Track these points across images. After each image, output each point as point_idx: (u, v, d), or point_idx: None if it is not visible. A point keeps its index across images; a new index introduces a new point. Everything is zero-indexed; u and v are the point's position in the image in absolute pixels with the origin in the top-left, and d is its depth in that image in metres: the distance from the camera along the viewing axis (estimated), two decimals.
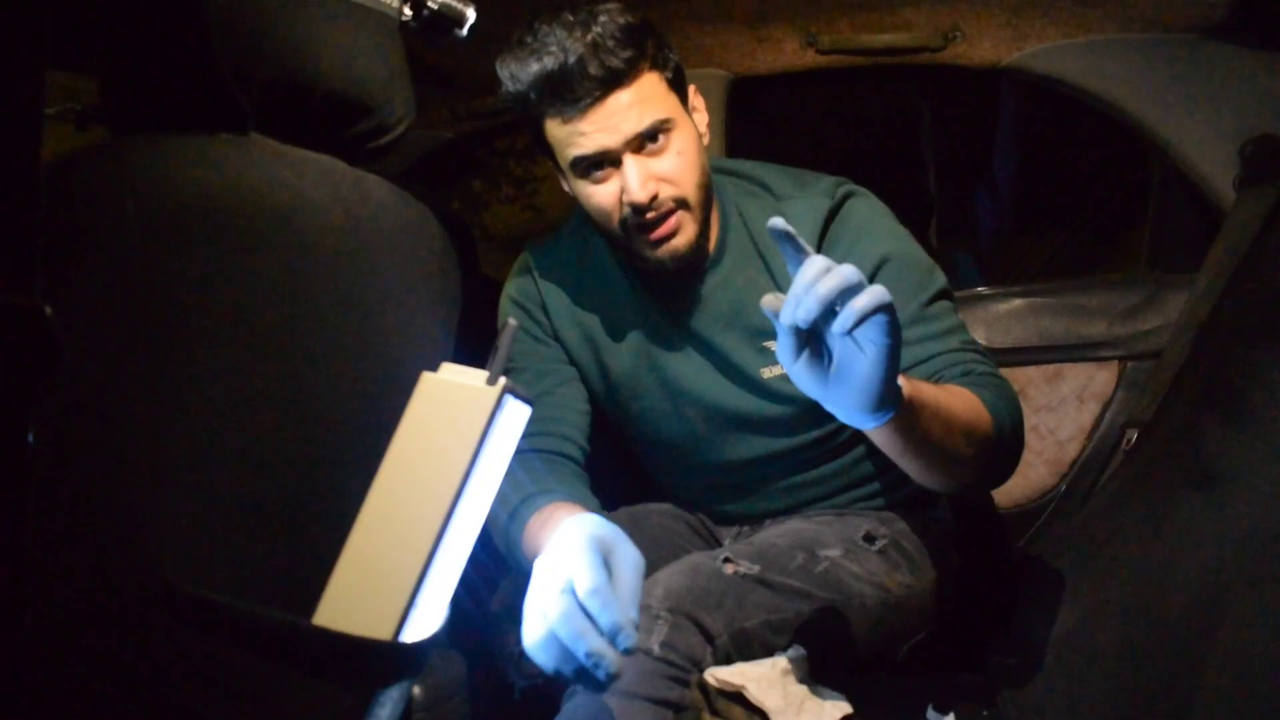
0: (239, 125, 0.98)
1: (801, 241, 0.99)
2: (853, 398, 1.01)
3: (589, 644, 0.96)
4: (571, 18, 1.29)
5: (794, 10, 1.98)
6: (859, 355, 0.98)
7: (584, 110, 1.29)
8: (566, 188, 1.43)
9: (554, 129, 1.33)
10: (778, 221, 0.99)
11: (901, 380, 1.08)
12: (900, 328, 0.98)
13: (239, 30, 0.96)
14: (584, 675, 0.98)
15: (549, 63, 1.27)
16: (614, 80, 1.29)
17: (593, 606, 0.98)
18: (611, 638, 0.97)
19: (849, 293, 0.94)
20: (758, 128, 2.46)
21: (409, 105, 1.14)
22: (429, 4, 1.25)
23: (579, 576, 0.99)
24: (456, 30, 1.28)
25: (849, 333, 0.95)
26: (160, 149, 0.90)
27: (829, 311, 0.95)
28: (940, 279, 1.43)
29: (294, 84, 1.00)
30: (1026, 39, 1.99)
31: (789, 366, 1.01)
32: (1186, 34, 1.92)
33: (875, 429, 1.09)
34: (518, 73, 1.31)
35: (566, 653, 0.98)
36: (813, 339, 1.00)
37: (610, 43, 1.27)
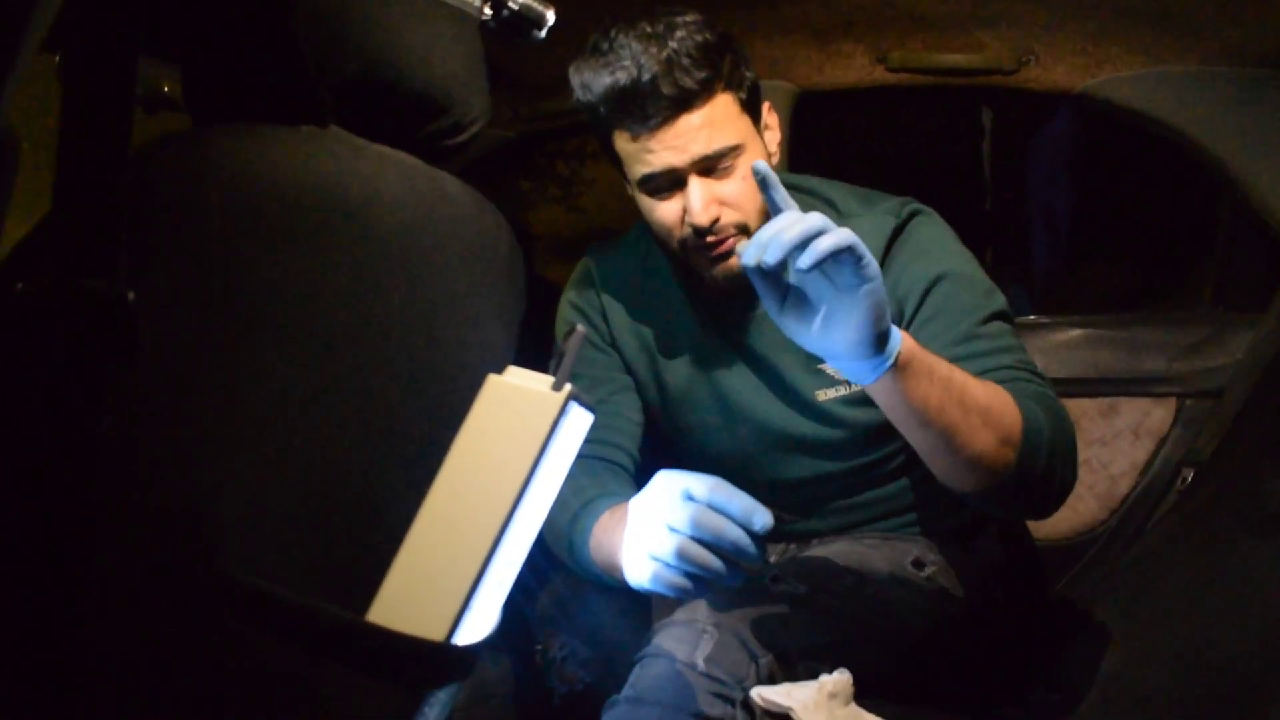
0: (320, 118, 0.98)
1: (785, 194, 1.06)
2: (840, 344, 1.06)
3: (732, 533, 1.03)
4: (649, 29, 1.27)
5: (866, 26, 1.97)
6: (840, 300, 1.04)
7: (653, 129, 1.28)
8: (631, 194, 1.42)
9: (622, 143, 1.33)
10: (760, 164, 1.06)
11: (906, 338, 1.10)
12: (878, 272, 1.02)
13: (324, 23, 0.96)
14: (720, 576, 1.04)
15: (621, 77, 1.26)
16: (686, 101, 1.27)
17: (720, 498, 1.04)
18: (748, 520, 1.03)
19: (814, 237, 0.99)
20: (820, 143, 2.45)
21: (485, 105, 1.13)
22: (509, 4, 1.25)
23: (695, 484, 1.05)
24: (535, 32, 1.28)
25: (810, 270, 0.99)
26: (243, 140, 0.90)
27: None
28: (999, 300, 1.39)
29: (375, 79, 1.01)
30: (1102, 66, 1.96)
31: (775, 317, 1.08)
32: (1268, 70, 1.88)
33: (875, 385, 1.12)
34: (590, 83, 1.30)
35: (697, 558, 1.03)
36: (800, 294, 1.07)
37: (685, 61, 1.25)
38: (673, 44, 1.26)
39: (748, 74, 1.35)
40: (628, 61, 1.26)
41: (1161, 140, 2.03)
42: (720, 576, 1.04)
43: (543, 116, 2.31)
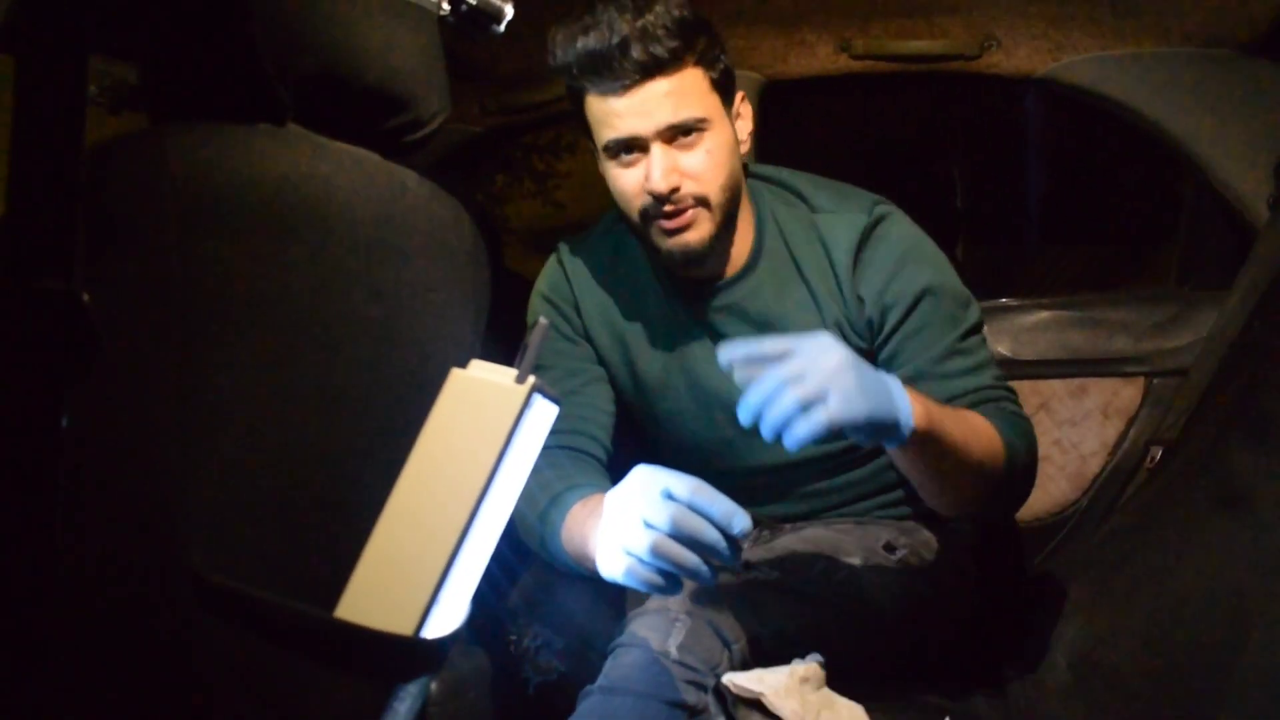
0: (277, 116, 0.98)
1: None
2: (852, 437, 1.12)
3: (709, 535, 1.03)
4: (629, 2, 1.30)
5: (828, 14, 1.98)
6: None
7: (620, 91, 1.31)
8: (601, 169, 1.43)
9: (593, 106, 1.35)
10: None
11: (919, 406, 1.14)
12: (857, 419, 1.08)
13: (280, 20, 0.96)
14: (694, 574, 1.05)
15: (594, 39, 1.29)
16: (655, 67, 1.30)
17: (703, 500, 1.04)
18: (728, 523, 1.04)
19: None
20: (788, 135, 2.45)
21: (445, 100, 1.14)
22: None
23: (676, 483, 1.05)
24: (494, 26, 1.28)
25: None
26: (199, 138, 0.90)
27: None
28: (975, 313, 1.45)
29: (333, 76, 1.01)
30: (1063, 50, 1.98)
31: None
32: (1225, 50, 1.90)
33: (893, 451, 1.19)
34: (564, 44, 1.33)
35: (673, 555, 1.04)
36: None
37: (659, 31, 1.29)
38: (650, 15, 1.29)
39: (722, 57, 1.38)
40: (604, 26, 1.29)
41: (1124, 122, 2.05)
42: (695, 574, 1.04)
43: (510, 110, 2.30)
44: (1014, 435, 1.32)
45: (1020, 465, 1.32)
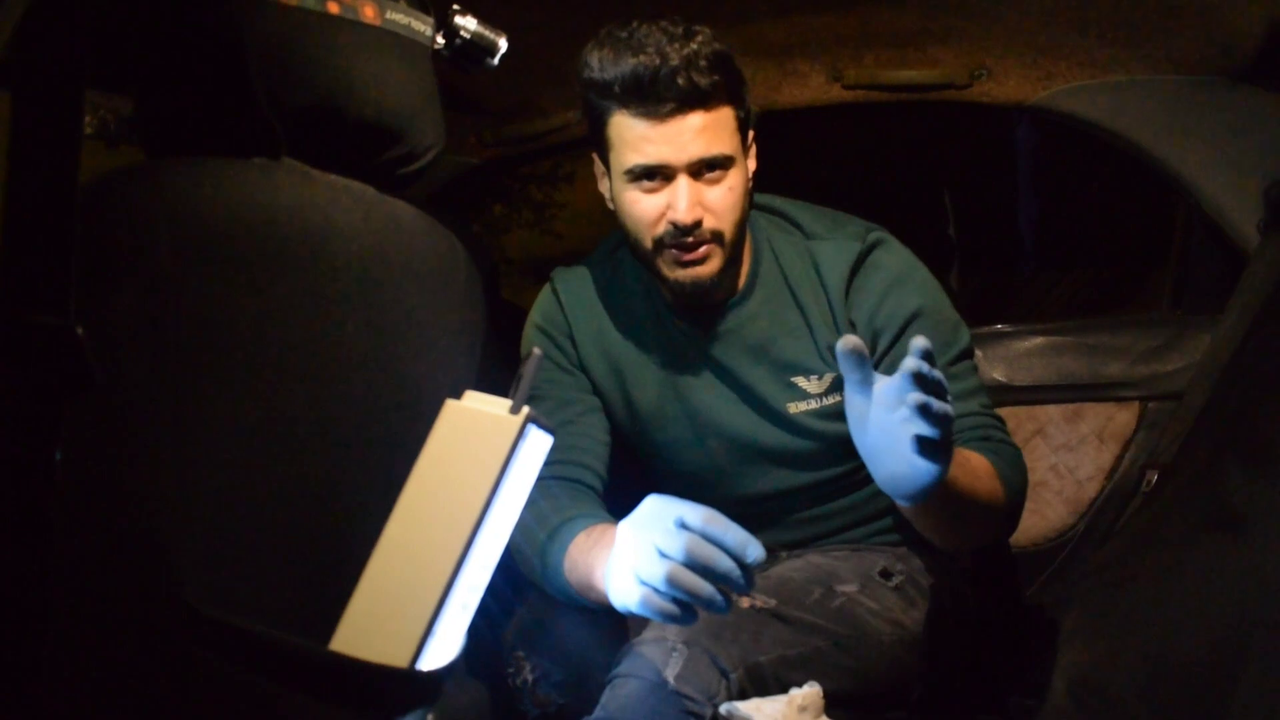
0: (272, 150, 0.99)
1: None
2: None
3: (724, 564, 1.02)
4: (671, 29, 1.30)
5: (821, 45, 1.99)
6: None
7: (661, 117, 1.30)
8: (606, 192, 1.43)
9: (622, 127, 1.34)
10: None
11: None
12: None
13: (275, 56, 0.97)
14: (709, 603, 1.04)
15: (644, 61, 1.28)
16: (697, 99, 1.30)
17: (716, 529, 1.03)
18: (741, 552, 1.03)
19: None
20: (781, 166, 2.46)
21: (439, 133, 1.15)
22: (461, 33, 1.26)
23: (689, 513, 1.05)
24: (488, 59, 1.30)
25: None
26: (194, 173, 0.90)
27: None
28: (965, 337, 1.47)
29: (327, 110, 1.01)
30: (1053, 78, 1.99)
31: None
32: (1213, 76, 1.92)
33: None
34: (607, 61, 1.31)
35: (689, 585, 1.02)
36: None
37: (703, 63, 1.29)
38: (694, 44, 1.29)
39: (746, 97, 1.40)
40: (651, 49, 1.29)
41: (1116, 149, 2.06)
42: (710, 604, 1.04)
43: (508, 141, 2.32)
44: (1010, 472, 1.35)
45: (1016, 503, 1.37)
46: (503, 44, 1.31)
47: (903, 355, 1.39)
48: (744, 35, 1.92)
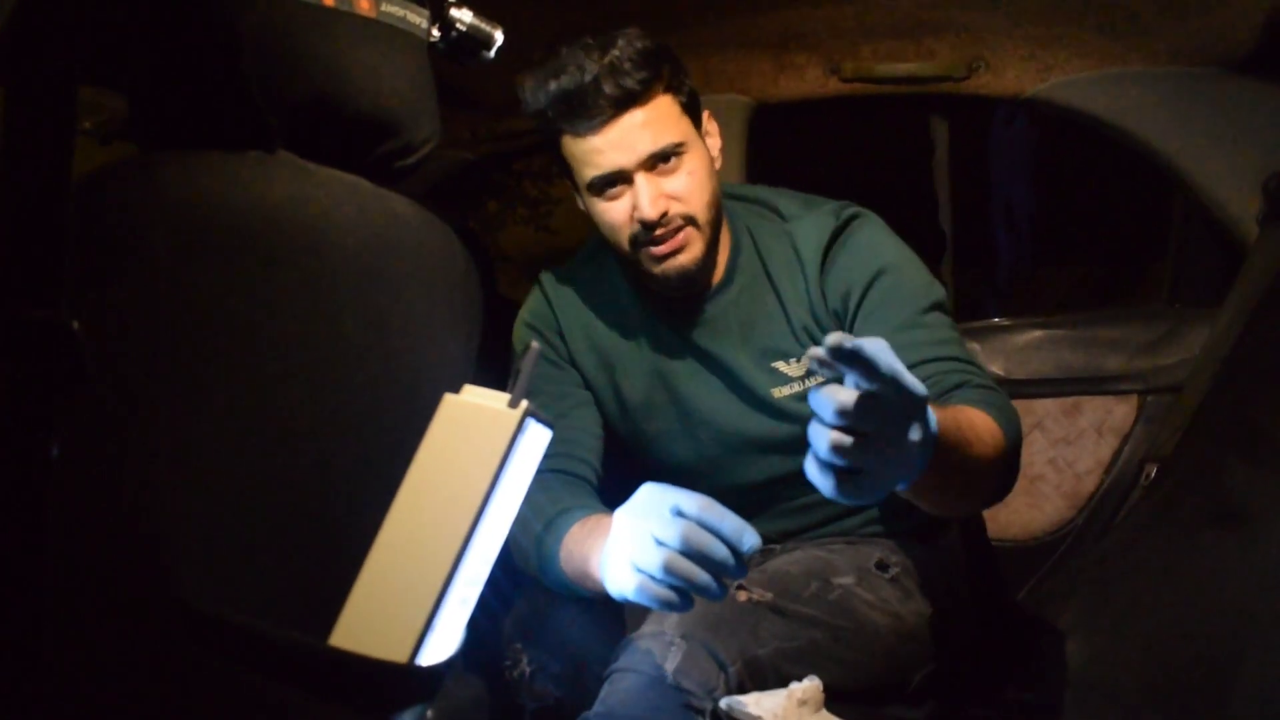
0: (267, 144, 0.98)
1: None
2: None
3: (720, 552, 1.02)
4: (590, 41, 1.33)
5: (818, 38, 1.99)
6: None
7: (598, 128, 1.34)
8: (582, 206, 1.46)
9: (570, 146, 1.38)
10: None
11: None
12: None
13: (269, 50, 0.96)
14: (705, 590, 1.03)
15: (566, 81, 1.32)
16: (628, 100, 1.33)
17: (712, 517, 1.03)
18: (738, 540, 1.03)
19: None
20: (777, 159, 2.46)
21: (435, 126, 1.14)
22: (457, 26, 1.26)
23: (685, 501, 1.04)
24: (484, 52, 1.29)
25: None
26: (189, 166, 0.90)
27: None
28: (938, 292, 1.45)
29: (323, 103, 1.01)
30: (1050, 70, 1.99)
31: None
32: (1211, 68, 1.91)
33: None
34: (536, 90, 1.35)
35: (685, 573, 1.02)
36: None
37: (627, 65, 1.32)
38: (614, 51, 1.32)
39: (686, 81, 1.41)
40: (572, 67, 1.32)
41: (1114, 141, 2.06)
42: (705, 591, 1.04)
43: (502, 137, 2.32)
44: (1004, 421, 1.25)
45: (1016, 450, 1.28)
46: (499, 37, 1.30)
47: (871, 309, 1.40)
48: (740, 29, 1.92)
